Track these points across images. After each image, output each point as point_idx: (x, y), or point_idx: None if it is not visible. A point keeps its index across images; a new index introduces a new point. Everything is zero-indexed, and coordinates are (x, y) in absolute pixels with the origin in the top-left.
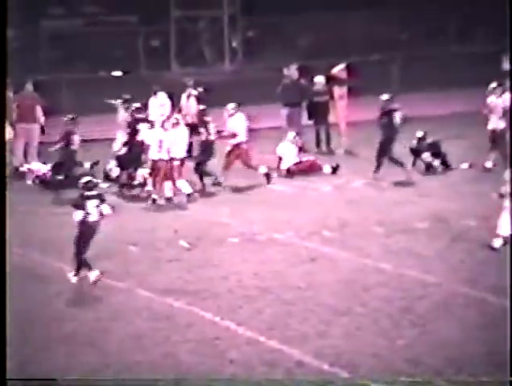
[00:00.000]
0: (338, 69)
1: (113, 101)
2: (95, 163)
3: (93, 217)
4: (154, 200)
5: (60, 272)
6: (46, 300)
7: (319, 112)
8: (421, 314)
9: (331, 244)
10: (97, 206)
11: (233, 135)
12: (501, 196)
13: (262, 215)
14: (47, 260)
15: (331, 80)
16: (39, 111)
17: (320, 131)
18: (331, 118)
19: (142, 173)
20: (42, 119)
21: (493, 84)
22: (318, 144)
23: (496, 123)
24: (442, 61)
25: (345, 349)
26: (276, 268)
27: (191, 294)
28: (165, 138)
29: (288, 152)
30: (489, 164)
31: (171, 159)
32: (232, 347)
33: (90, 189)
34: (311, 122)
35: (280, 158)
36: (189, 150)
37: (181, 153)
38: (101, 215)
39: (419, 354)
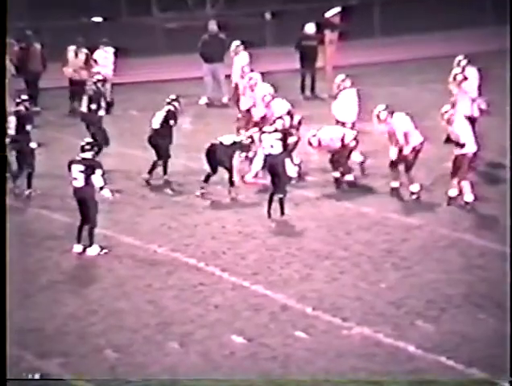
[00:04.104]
0: (332, 14)
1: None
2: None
3: (78, 183)
4: None
5: (44, 219)
6: (28, 249)
7: (306, 57)
8: (404, 257)
9: (313, 189)
10: (83, 172)
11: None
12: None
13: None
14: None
15: (323, 24)
16: None
17: (306, 76)
18: (318, 63)
19: None
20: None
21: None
22: (303, 89)
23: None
24: (424, 3)
25: (328, 293)
26: (259, 214)
27: (174, 241)
28: None
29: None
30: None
31: None
32: (216, 293)
33: (83, 151)
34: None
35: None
36: None
37: None
38: (88, 183)
39: (402, 296)
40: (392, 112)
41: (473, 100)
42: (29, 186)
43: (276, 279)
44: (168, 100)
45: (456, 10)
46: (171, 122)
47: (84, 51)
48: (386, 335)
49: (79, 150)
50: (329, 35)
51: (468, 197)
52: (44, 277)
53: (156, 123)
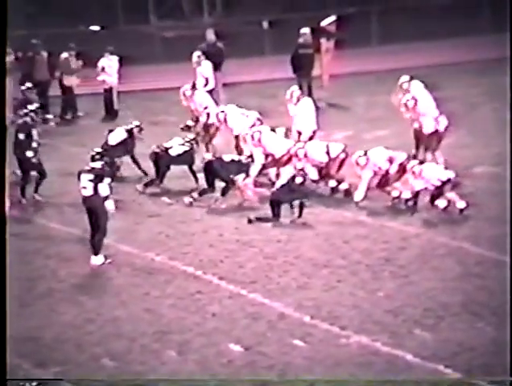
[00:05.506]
0: (327, 22)
1: None
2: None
3: (87, 192)
4: None
5: (42, 227)
6: (27, 257)
7: (303, 65)
8: (401, 265)
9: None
10: (92, 180)
11: None
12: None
13: None
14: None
15: (319, 32)
16: None
17: (303, 84)
18: (315, 71)
19: None
20: None
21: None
22: None
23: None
24: (422, 12)
25: (326, 301)
26: (257, 222)
27: (172, 249)
28: None
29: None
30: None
31: None
32: (214, 301)
33: (93, 160)
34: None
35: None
36: None
37: None
38: (96, 191)
39: (400, 305)
40: (366, 153)
41: (436, 118)
42: (36, 190)
43: (274, 287)
44: (188, 139)
45: (455, 18)
46: (190, 161)
47: (75, 56)
48: (383, 344)
49: (89, 160)
50: (325, 44)
51: (461, 204)
52: (42, 285)
53: (174, 152)
